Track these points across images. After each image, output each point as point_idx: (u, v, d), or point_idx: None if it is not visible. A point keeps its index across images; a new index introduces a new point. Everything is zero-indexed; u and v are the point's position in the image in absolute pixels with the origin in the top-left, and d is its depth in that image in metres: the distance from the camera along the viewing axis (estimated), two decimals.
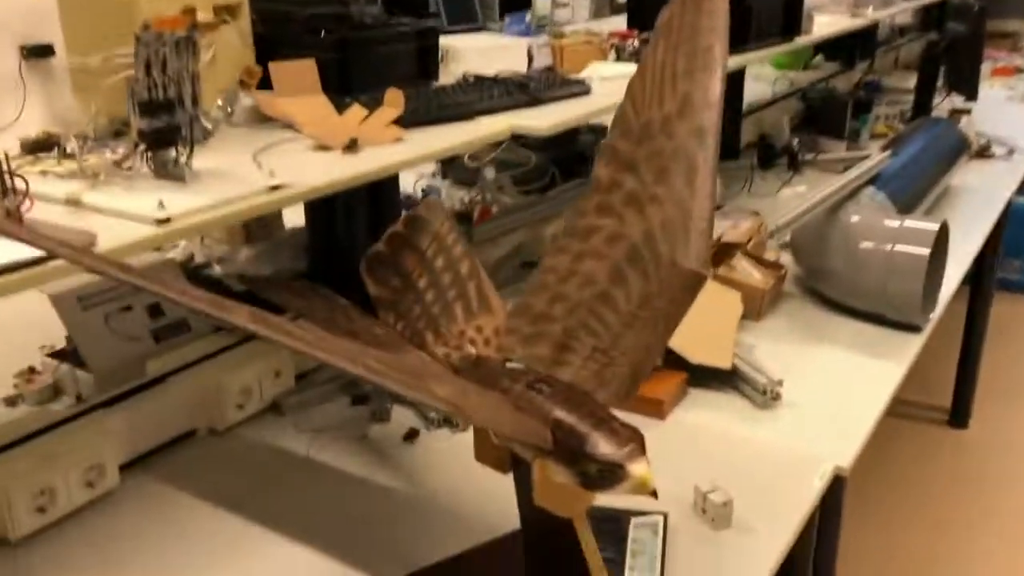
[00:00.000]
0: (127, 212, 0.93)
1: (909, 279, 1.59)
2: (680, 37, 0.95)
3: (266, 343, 1.19)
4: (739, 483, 1.17)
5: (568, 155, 2.22)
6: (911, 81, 3.35)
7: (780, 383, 1.41)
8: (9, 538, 1.12)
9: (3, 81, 1.21)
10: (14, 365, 1.36)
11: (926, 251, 1.59)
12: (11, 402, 1.31)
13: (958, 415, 2.98)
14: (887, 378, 1.49)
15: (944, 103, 3.24)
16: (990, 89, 3.70)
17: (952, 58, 3.17)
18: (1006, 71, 4.10)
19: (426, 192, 2.14)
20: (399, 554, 1.10)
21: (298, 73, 1.35)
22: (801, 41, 2.23)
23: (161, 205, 0.92)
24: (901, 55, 4.17)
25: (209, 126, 1.10)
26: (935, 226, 1.63)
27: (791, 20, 2.16)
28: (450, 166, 2.41)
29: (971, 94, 3.15)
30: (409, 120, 1.30)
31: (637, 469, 0.76)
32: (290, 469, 1.30)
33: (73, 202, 0.96)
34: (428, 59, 1.56)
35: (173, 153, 1.01)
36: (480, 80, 1.53)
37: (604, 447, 0.76)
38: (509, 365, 0.95)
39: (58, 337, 1.35)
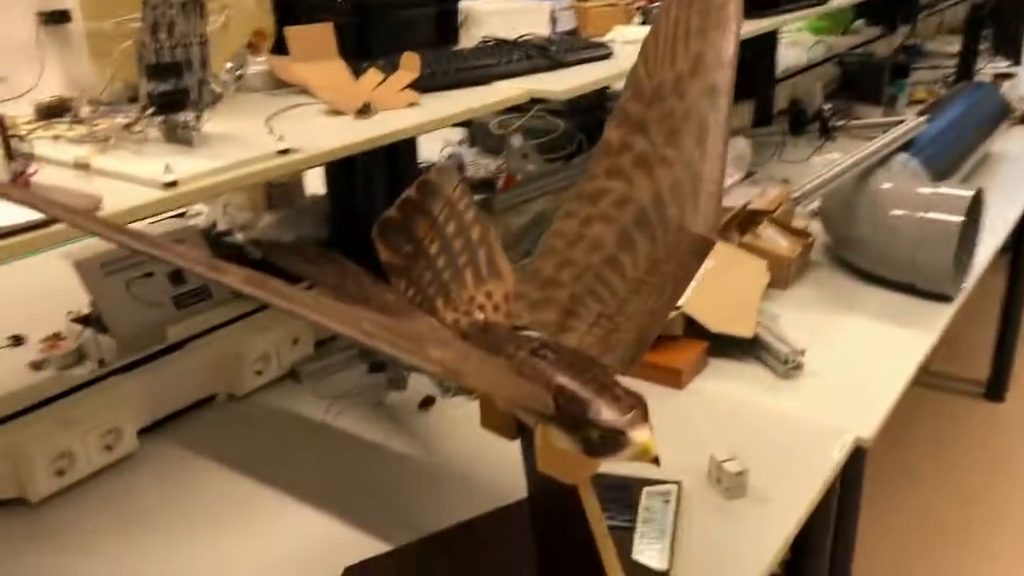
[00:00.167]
0: (134, 176, 0.93)
1: (940, 248, 1.54)
2: None
3: None
4: (756, 453, 1.16)
5: (596, 122, 2.19)
6: (955, 45, 3.25)
7: (802, 353, 1.38)
8: (29, 499, 1.14)
9: (21, 47, 1.21)
10: (43, 330, 1.38)
11: (958, 219, 1.54)
12: (37, 366, 1.33)
13: (995, 388, 2.91)
14: (914, 349, 1.45)
15: (988, 68, 3.15)
16: None
17: (998, 20, 3.07)
18: None
19: (450, 159, 2.13)
20: (412, 519, 1.11)
21: (315, 38, 1.34)
22: (836, 3, 2.16)
23: (168, 169, 0.92)
24: (946, 18, 4.05)
25: (219, 90, 1.09)
26: (969, 193, 1.58)
27: None
28: (478, 134, 2.40)
29: (1017, 57, 3.05)
30: (425, 84, 1.29)
31: (639, 436, 0.74)
32: (307, 435, 1.31)
33: (82, 166, 0.96)
34: (447, 23, 1.54)
35: (182, 117, 1.01)
36: (499, 44, 1.51)
37: (606, 413, 0.75)
38: (518, 331, 0.94)
39: (85, 303, 1.37)
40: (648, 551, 1.02)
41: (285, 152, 1.02)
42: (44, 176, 0.93)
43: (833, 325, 1.55)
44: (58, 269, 1.33)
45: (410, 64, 1.29)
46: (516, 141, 2.18)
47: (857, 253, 1.71)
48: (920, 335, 1.50)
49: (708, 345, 1.43)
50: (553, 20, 1.75)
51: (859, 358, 1.44)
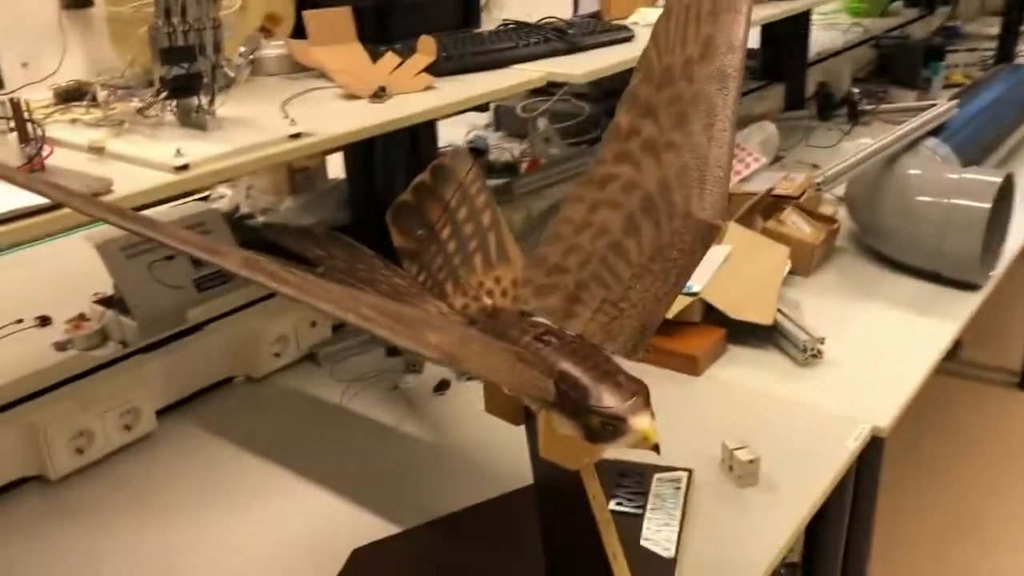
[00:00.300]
0: (147, 159, 0.94)
1: (967, 235, 1.51)
2: None
3: None
4: (770, 442, 1.15)
5: None
6: (995, 27, 3.17)
7: (822, 341, 1.37)
8: (49, 476, 1.17)
9: (43, 32, 1.22)
10: (68, 311, 1.41)
11: (986, 205, 1.51)
12: (61, 347, 1.36)
13: None
14: (938, 338, 1.43)
15: None
16: None
17: None
18: None
19: (472, 143, 2.12)
20: (421, 502, 1.11)
21: (333, 21, 1.34)
22: None
23: (179, 152, 0.93)
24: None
25: (232, 74, 1.10)
26: (998, 179, 1.55)
27: None
28: (503, 117, 2.39)
29: None
30: (441, 68, 1.29)
31: (639, 423, 0.74)
32: (322, 417, 1.32)
33: (96, 149, 0.97)
34: (469, 5, 1.54)
35: (195, 101, 1.01)
36: (518, 26, 1.50)
37: (607, 399, 0.75)
38: (524, 317, 0.94)
39: (109, 285, 1.39)
40: (656, 537, 1.02)
41: (297, 136, 1.02)
42: (59, 159, 0.94)
43: (855, 313, 1.53)
44: (84, 252, 1.35)
45: (426, 48, 1.29)
46: (541, 125, 2.17)
47: (882, 240, 1.68)
48: (944, 324, 1.47)
49: (726, 332, 1.42)
50: (576, 2, 1.74)
51: (880, 347, 1.42)
